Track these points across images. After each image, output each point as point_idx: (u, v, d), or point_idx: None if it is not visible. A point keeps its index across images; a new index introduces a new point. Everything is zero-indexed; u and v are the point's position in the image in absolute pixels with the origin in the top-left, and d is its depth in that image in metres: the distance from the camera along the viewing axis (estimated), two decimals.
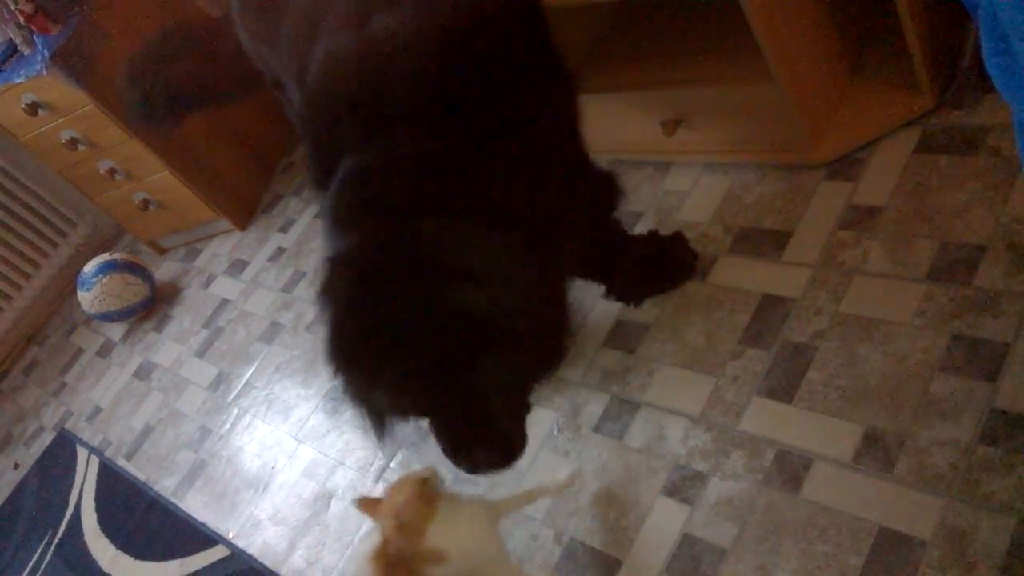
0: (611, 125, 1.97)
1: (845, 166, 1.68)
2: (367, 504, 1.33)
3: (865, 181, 1.63)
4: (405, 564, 1.32)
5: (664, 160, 1.96)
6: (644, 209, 1.92)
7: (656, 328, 1.69)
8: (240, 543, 1.97)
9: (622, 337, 1.72)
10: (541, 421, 1.70)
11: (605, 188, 1.55)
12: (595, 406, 1.66)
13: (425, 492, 1.29)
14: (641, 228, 1.88)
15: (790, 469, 1.38)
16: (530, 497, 1.50)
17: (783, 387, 1.46)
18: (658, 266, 1.73)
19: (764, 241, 1.68)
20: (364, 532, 1.41)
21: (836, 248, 1.58)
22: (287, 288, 2.53)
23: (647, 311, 1.72)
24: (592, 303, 1.82)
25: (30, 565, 2.36)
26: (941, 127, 1.61)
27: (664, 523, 1.44)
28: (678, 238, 1.75)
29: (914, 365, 1.37)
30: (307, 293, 2.46)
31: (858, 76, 1.75)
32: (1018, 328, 1.31)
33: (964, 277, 1.41)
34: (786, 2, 1.56)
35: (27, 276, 3.28)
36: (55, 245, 3.34)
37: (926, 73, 1.57)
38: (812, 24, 1.64)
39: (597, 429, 1.62)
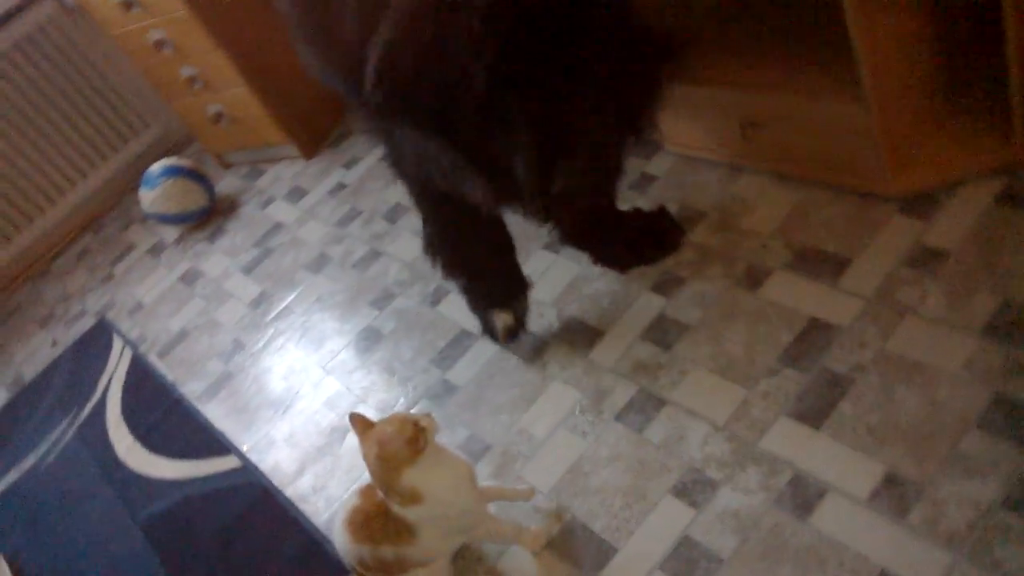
0: (691, 118, 1.95)
1: (920, 203, 1.64)
2: (360, 422, 1.35)
3: (938, 222, 1.60)
4: (380, 518, 1.38)
5: (737, 163, 1.94)
6: (708, 210, 1.90)
7: (697, 330, 1.68)
8: (253, 457, 2.01)
9: (661, 332, 1.72)
10: (565, 400, 1.71)
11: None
12: (621, 395, 1.66)
13: (415, 434, 1.31)
14: (704, 230, 1.86)
15: (803, 494, 1.36)
16: (493, 493, 1.53)
17: (813, 412, 1.45)
18: (645, 238, 1.85)
19: (823, 264, 1.65)
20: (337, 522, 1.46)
21: (895, 284, 1.55)
22: (342, 223, 2.56)
23: (690, 312, 1.71)
24: (637, 293, 1.82)
25: (51, 438, 2.45)
26: None
27: (667, 521, 1.44)
28: (662, 213, 1.88)
29: (950, 416, 1.34)
30: (360, 232, 2.48)
31: (951, 115, 1.71)
32: None
33: (1021, 340, 1.37)
34: (894, 29, 1.52)
35: (94, 165, 3.36)
36: (125, 141, 3.41)
37: (1022, 125, 1.52)
38: (914, 54, 1.59)
39: (619, 418, 1.62)
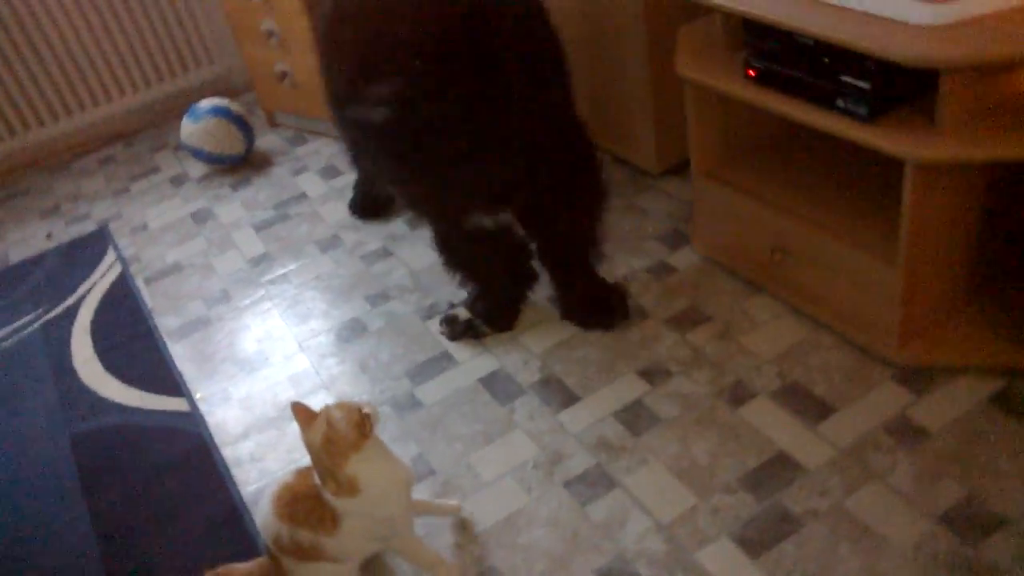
0: (723, 224, 1.98)
1: (918, 377, 1.66)
2: (302, 411, 1.34)
3: (929, 401, 1.61)
4: (308, 501, 1.37)
5: (757, 282, 1.96)
6: (715, 317, 1.91)
7: (669, 425, 1.68)
8: (202, 407, 2.00)
9: (634, 416, 1.72)
10: (522, 451, 1.70)
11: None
12: (577, 464, 1.65)
13: (361, 419, 1.32)
14: (705, 334, 1.88)
15: None
16: (421, 507, 1.54)
17: (756, 542, 1.44)
18: (594, 307, 1.97)
19: (808, 403, 1.66)
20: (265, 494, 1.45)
21: (870, 446, 1.55)
22: None
23: (668, 406, 1.72)
24: (623, 371, 1.82)
25: (14, 326, 2.43)
26: None
27: None
28: (619, 290, 2.01)
29: None
30: (377, 227, 2.49)
31: (973, 303, 1.73)
32: None
33: (973, 538, 1.37)
34: (945, 209, 1.55)
35: (148, 82, 3.39)
36: (186, 69, 3.44)
37: None
38: (957, 237, 1.63)
39: (568, 485, 1.61)
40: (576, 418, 1.75)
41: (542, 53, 1.67)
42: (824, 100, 1.57)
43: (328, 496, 1.35)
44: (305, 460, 1.65)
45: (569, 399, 1.80)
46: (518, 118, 1.59)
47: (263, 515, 1.42)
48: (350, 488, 1.33)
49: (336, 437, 1.31)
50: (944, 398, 1.61)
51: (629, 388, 1.79)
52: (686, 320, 1.93)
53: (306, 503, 1.38)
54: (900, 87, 1.51)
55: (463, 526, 1.58)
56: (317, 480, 1.37)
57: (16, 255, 2.79)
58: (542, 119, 1.67)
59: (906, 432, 1.56)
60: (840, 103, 1.55)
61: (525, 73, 1.57)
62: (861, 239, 1.70)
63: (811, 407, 1.65)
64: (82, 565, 1.68)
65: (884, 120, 1.51)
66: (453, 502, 1.60)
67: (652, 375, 1.81)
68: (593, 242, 1.94)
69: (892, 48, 1.39)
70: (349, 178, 2.76)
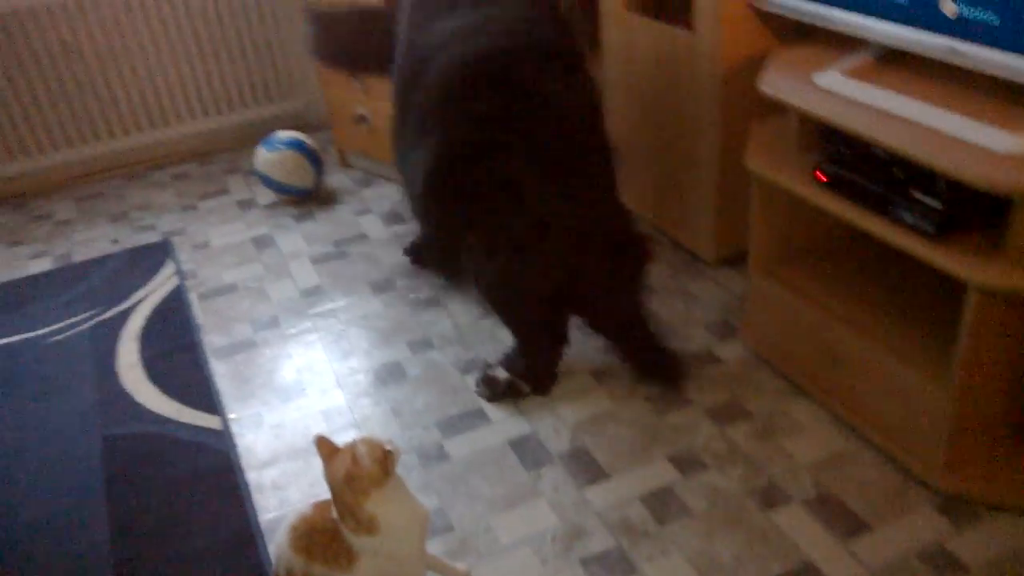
0: (774, 323, 1.96)
1: (959, 507, 1.61)
2: (325, 445, 1.35)
3: (969, 535, 1.55)
4: (325, 535, 1.36)
5: (801, 386, 1.93)
6: (755, 414, 1.88)
7: (696, 519, 1.64)
8: (234, 428, 2.01)
9: (661, 504, 1.69)
10: (543, 521, 1.68)
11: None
12: (597, 543, 1.62)
13: (384, 456, 1.31)
14: (744, 430, 1.85)
15: None
16: (432, 560, 1.51)
17: None
18: (652, 362, 2.00)
19: (842, 518, 1.61)
20: (282, 525, 1.45)
21: (902, 572, 1.50)
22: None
23: (697, 499, 1.68)
24: (656, 456, 1.79)
25: (67, 322, 2.49)
26: None
27: None
28: (676, 358, 2.02)
29: None
30: (429, 276, 2.53)
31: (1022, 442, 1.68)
32: None
33: None
34: (1005, 337, 1.52)
35: (231, 107, 3.51)
36: (270, 100, 3.56)
37: None
38: (1015, 367, 1.59)
39: (585, 563, 1.58)
40: (602, 495, 1.72)
41: (588, 148, 1.79)
42: (892, 213, 1.57)
43: (346, 533, 1.34)
44: (326, 494, 1.66)
45: (597, 475, 1.77)
46: (556, 203, 1.70)
47: (278, 544, 1.41)
48: (369, 526, 1.32)
49: (359, 473, 1.30)
50: (986, 534, 1.55)
51: (660, 473, 1.76)
52: (726, 413, 1.90)
53: (323, 537, 1.37)
54: (971, 210, 1.50)
55: None
56: (336, 515, 1.37)
57: (80, 255, 2.88)
58: (581, 207, 1.76)
59: (943, 564, 1.51)
60: (908, 218, 1.54)
61: (563, 163, 1.71)
62: (915, 357, 1.67)
63: (845, 521, 1.61)
64: (91, 564, 1.69)
65: (951, 240, 1.50)
66: (463, 566, 1.57)
67: (685, 464, 1.78)
68: (639, 305, 1.96)
69: (968, 171, 1.39)
70: (410, 226, 2.81)
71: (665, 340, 2.04)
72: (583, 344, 2.05)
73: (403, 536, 1.36)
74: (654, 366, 2.01)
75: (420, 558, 1.41)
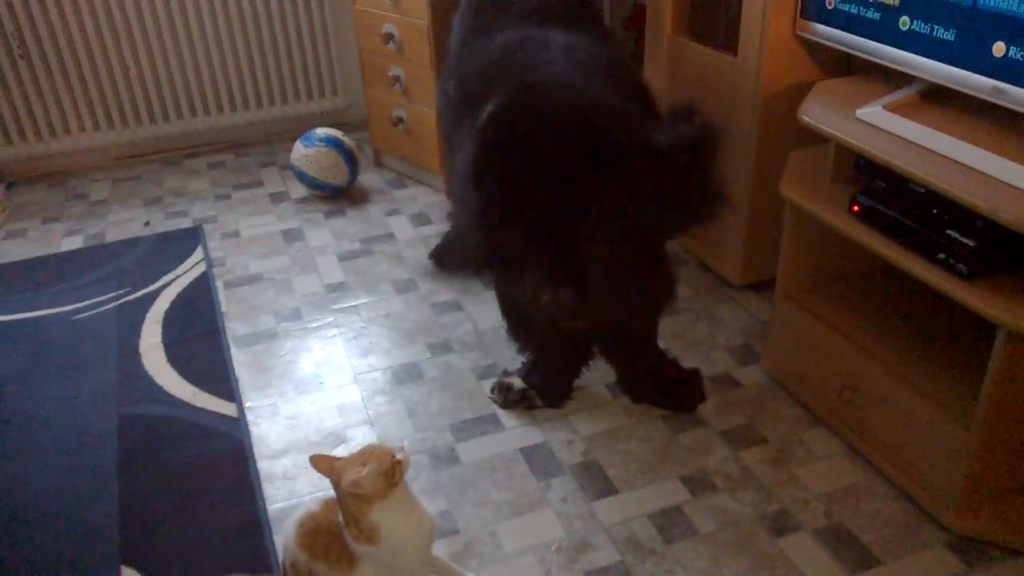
0: (796, 351, 1.95)
1: (972, 549, 1.58)
2: (323, 462, 1.33)
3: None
4: (328, 536, 1.35)
5: (819, 415, 1.91)
6: (771, 440, 1.87)
7: (704, 540, 1.63)
8: (249, 416, 2.03)
9: (669, 523, 1.67)
10: (549, 531, 1.67)
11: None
12: (602, 557, 1.61)
13: (392, 468, 1.30)
14: (758, 455, 1.83)
15: None
16: (440, 565, 1.50)
17: None
18: (668, 387, 1.99)
19: (852, 550, 1.59)
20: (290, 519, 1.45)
21: None
22: None
23: (706, 521, 1.67)
24: (667, 475, 1.79)
25: (93, 300, 2.52)
26: None
27: None
28: (696, 375, 2.02)
29: None
30: (451, 279, 2.53)
31: None
32: None
33: None
34: None
35: (273, 101, 3.56)
36: (311, 96, 3.60)
37: None
38: None
39: None
40: (610, 510, 1.71)
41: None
42: (925, 250, 1.56)
43: (348, 539, 1.34)
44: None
45: (607, 489, 1.77)
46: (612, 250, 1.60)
47: (286, 537, 1.41)
48: (371, 536, 1.31)
49: (362, 488, 1.28)
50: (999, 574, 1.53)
51: (670, 493, 1.75)
52: (741, 437, 1.89)
53: (326, 538, 1.36)
54: (1005, 252, 1.49)
55: None
56: (340, 519, 1.37)
57: (112, 235, 2.92)
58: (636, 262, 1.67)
59: None
60: (941, 256, 1.52)
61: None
62: (937, 395, 1.65)
63: (854, 554, 1.59)
64: (98, 542, 1.70)
65: (983, 282, 1.48)
66: (470, 574, 1.57)
67: (696, 485, 1.77)
68: (654, 329, 1.98)
69: (1004, 211, 1.37)
70: (438, 228, 2.83)
71: (677, 365, 2.03)
72: (600, 358, 2.04)
73: (404, 547, 1.34)
74: (664, 391, 1.99)
75: (422, 566, 1.39)
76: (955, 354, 1.76)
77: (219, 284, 2.59)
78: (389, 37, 2.90)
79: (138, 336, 2.36)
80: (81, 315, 2.46)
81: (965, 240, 1.49)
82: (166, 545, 1.68)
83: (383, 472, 1.29)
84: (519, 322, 1.96)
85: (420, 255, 2.69)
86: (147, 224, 2.99)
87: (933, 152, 1.57)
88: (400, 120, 3.03)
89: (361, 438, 1.94)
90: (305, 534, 1.38)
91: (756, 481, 1.77)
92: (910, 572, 1.55)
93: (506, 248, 1.51)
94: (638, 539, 1.64)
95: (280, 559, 1.44)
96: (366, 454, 1.31)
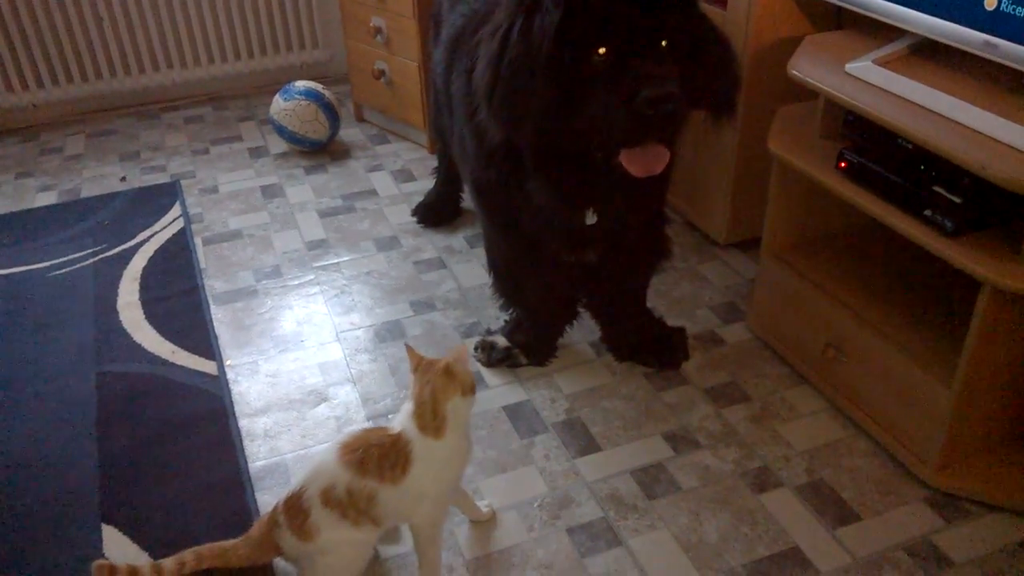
0: (781, 310, 1.94)
1: (950, 504, 1.60)
2: (416, 356, 1.43)
3: (956, 531, 1.55)
4: (380, 448, 1.39)
5: (804, 373, 1.92)
6: (754, 398, 1.87)
7: (686, 496, 1.64)
8: (229, 374, 2.01)
9: (652, 479, 1.68)
10: (532, 488, 1.67)
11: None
12: (584, 513, 1.61)
13: (473, 384, 1.43)
14: (741, 412, 1.84)
15: None
16: (462, 496, 1.57)
17: None
18: (654, 343, 1.99)
19: (832, 506, 1.61)
20: (325, 446, 1.44)
21: (888, 563, 1.49)
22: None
23: (688, 477, 1.68)
24: (650, 432, 1.79)
25: (70, 257, 2.48)
26: None
27: None
28: (681, 333, 2.03)
29: None
30: (438, 238, 2.51)
31: (1020, 444, 1.67)
32: None
33: None
34: (1015, 338, 1.51)
35: (252, 54, 3.48)
36: (290, 49, 3.52)
37: None
38: (1019, 372, 1.57)
39: (571, 532, 1.58)
40: (593, 467, 1.72)
41: None
42: (912, 207, 1.54)
43: (409, 436, 1.38)
44: (311, 451, 1.66)
45: (590, 447, 1.77)
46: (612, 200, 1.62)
47: (317, 467, 1.40)
48: (439, 427, 1.38)
49: (458, 371, 1.39)
50: (974, 531, 1.55)
51: (652, 449, 1.75)
52: (724, 395, 1.89)
53: (379, 450, 1.38)
54: (991, 209, 1.48)
55: (460, 549, 1.55)
56: (399, 424, 1.41)
57: (88, 191, 2.86)
58: (633, 210, 1.70)
59: (928, 557, 1.50)
60: (927, 213, 1.51)
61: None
62: (919, 353, 1.66)
63: (834, 509, 1.60)
64: (78, 501, 1.68)
65: (968, 239, 1.47)
66: (487, 508, 1.61)
67: (678, 441, 1.77)
68: (646, 287, 2.00)
69: (992, 168, 1.36)
70: (421, 184, 2.79)
71: (663, 323, 2.04)
72: (585, 317, 2.03)
73: (456, 452, 1.42)
74: (648, 349, 1.99)
75: (455, 487, 1.47)
76: (939, 312, 1.76)
77: (197, 241, 2.55)
78: None
79: (116, 293, 2.32)
80: (57, 272, 2.42)
81: (952, 196, 1.48)
82: (147, 504, 1.67)
83: (469, 377, 1.41)
84: (506, 276, 1.94)
85: (403, 212, 2.65)
86: (123, 179, 2.93)
87: (922, 107, 1.56)
88: (382, 73, 2.97)
89: (344, 396, 1.92)
90: (352, 451, 1.38)
91: (738, 438, 1.77)
92: (889, 527, 1.56)
93: (586, 76, 1.41)
94: (620, 495, 1.65)
95: (291, 495, 1.40)
96: (456, 351, 1.43)
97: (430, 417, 1.38)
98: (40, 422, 1.89)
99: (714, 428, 1.80)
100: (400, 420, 1.42)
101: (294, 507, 1.39)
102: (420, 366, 1.42)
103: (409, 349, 1.44)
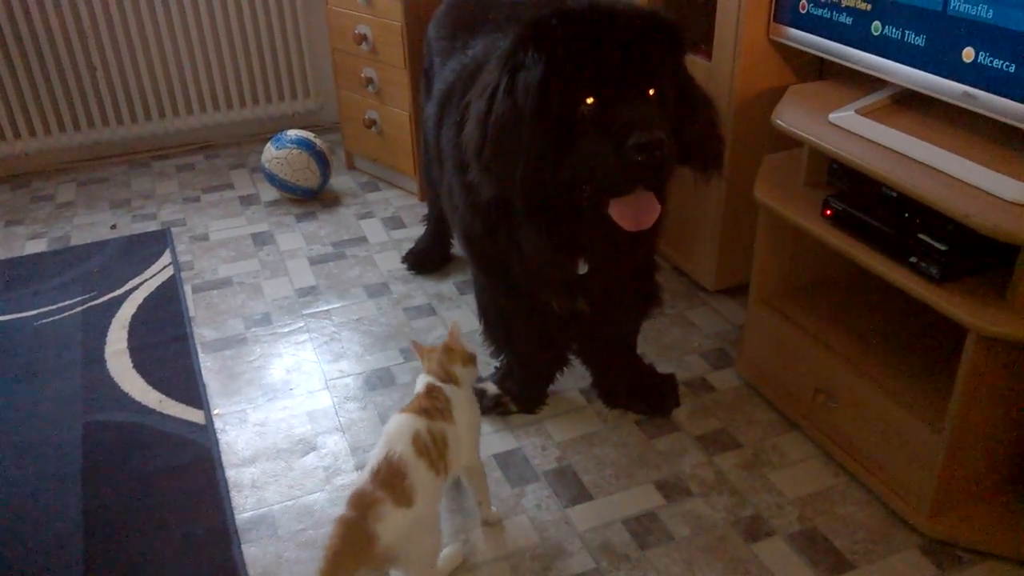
0: (771, 356, 1.95)
1: (943, 552, 1.59)
2: (420, 347, 1.67)
3: None
4: (440, 400, 1.57)
5: (794, 420, 1.91)
6: (745, 445, 1.87)
7: (678, 546, 1.62)
8: (217, 424, 1.99)
9: (644, 528, 1.66)
10: (523, 539, 1.65)
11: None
12: (576, 564, 1.59)
13: (469, 359, 1.66)
14: (732, 460, 1.83)
15: None
16: (477, 480, 1.67)
17: None
18: (644, 391, 1.99)
19: (826, 555, 1.59)
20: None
21: None
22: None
23: (680, 526, 1.66)
24: (641, 480, 1.77)
25: (58, 305, 2.47)
26: None
27: None
28: (671, 378, 2.03)
29: None
30: (428, 285, 2.51)
31: (1013, 490, 1.66)
32: None
33: None
34: (1003, 385, 1.51)
35: (244, 102, 3.51)
36: (283, 98, 3.56)
37: None
38: (1008, 418, 1.57)
39: None
40: (585, 516, 1.70)
41: None
42: (897, 254, 1.56)
43: (443, 387, 1.59)
44: (304, 501, 1.64)
45: (581, 495, 1.75)
46: (602, 248, 1.63)
47: (391, 433, 1.49)
48: (456, 378, 1.61)
49: (455, 345, 1.64)
50: None
51: (644, 498, 1.74)
52: (716, 442, 1.88)
53: (428, 400, 1.57)
54: (976, 256, 1.49)
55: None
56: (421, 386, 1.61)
57: (79, 238, 2.86)
58: (623, 258, 1.71)
59: None
60: (913, 260, 1.53)
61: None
62: (909, 399, 1.66)
63: (828, 559, 1.59)
64: (63, 552, 1.66)
65: (954, 285, 1.49)
66: (495, 512, 1.71)
67: (670, 490, 1.76)
68: (636, 333, 2.01)
69: (976, 216, 1.38)
70: (411, 231, 2.80)
71: (653, 370, 2.04)
72: (575, 364, 2.03)
73: (471, 399, 1.64)
74: (639, 396, 1.99)
75: (474, 446, 1.63)
76: (927, 358, 1.77)
77: (187, 288, 2.55)
78: (362, 38, 2.87)
79: (104, 341, 2.31)
80: (45, 320, 2.41)
81: (937, 244, 1.49)
82: (131, 556, 1.64)
83: (470, 352, 1.66)
84: (497, 323, 1.94)
85: (393, 259, 2.66)
86: (114, 227, 2.94)
87: (905, 156, 1.58)
88: (373, 122, 3.00)
89: (332, 445, 1.91)
90: (419, 409, 1.54)
91: (730, 486, 1.76)
92: (882, 575, 1.55)
93: (569, 122, 1.43)
94: (613, 545, 1.63)
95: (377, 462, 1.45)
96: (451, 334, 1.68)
97: (444, 376, 1.60)
98: (25, 472, 1.86)
99: (706, 476, 1.79)
100: (421, 382, 1.62)
101: (390, 472, 1.42)
102: (424, 353, 1.64)
103: (414, 343, 1.68)
